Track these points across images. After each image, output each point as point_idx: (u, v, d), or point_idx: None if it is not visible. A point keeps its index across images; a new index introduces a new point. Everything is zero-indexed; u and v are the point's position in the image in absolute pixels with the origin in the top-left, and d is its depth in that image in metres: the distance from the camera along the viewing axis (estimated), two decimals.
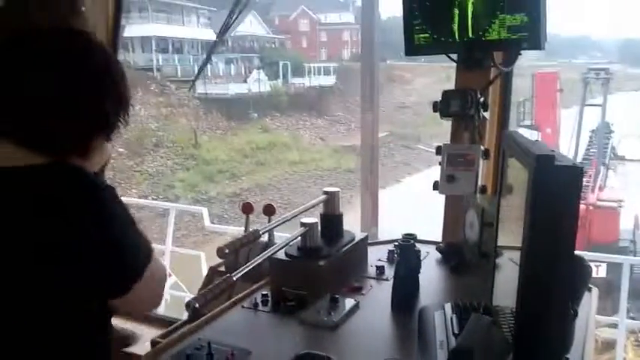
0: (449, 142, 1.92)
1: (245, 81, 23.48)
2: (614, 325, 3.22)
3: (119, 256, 1.02)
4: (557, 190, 0.89)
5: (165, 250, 3.90)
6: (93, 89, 1.04)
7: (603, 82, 12.93)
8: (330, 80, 23.54)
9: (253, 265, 1.31)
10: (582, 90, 13.06)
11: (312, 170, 18.44)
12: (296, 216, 1.62)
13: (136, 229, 1.06)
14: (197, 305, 1.10)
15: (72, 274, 0.99)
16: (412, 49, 1.81)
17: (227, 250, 1.21)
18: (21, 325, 0.99)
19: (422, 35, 1.77)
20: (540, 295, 0.95)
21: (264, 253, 1.43)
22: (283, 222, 1.50)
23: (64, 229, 0.97)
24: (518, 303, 1.00)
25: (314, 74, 23.82)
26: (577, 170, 0.89)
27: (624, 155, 15.60)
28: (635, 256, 10.69)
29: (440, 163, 1.88)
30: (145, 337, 2.06)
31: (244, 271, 1.27)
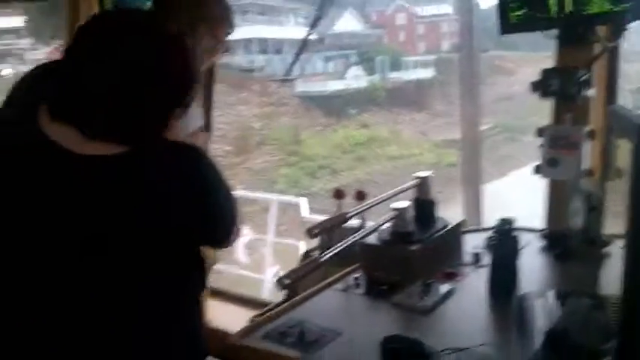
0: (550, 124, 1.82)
1: (343, 78, 23.63)
2: None
3: (225, 221, 1.08)
4: None
5: (267, 240, 4.03)
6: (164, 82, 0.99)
7: None
8: (428, 73, 23.06)
9: (342, 247, 1.32)
10: None
11: (412, 165, 18.19)
12: (386, 200, 1.61)
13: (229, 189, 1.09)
14: (288, 281, 1.12)
15: (185, 247, 1.04)
16: (507, 27, 1.73)
17: (316, 230, 1.23)
18: (139, 288, 1.01)
19: (517, 13, 1.69)
20: None
21: (353, 236, 1.44)
22: (373, 205, 1.49)
23: (171, 209, 0.99)
24: (622, 288, 0.92)
25: (412, 68, 23.47)
26: None
27: None
28: None
29: (541, 146, 1.78)
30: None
31: (333, 253, 1.28)
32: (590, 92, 1.70)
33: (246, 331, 1.31)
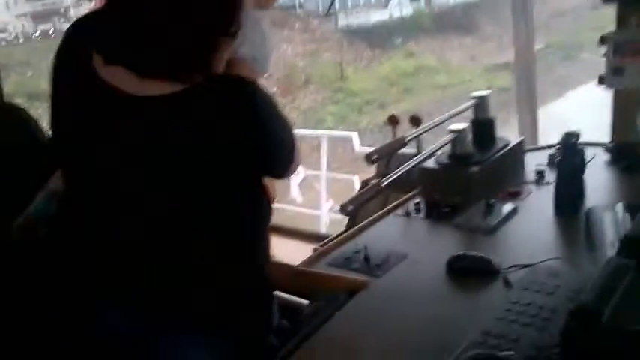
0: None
1: (386, 7, 22.83)
2: None
3: (283, 152, 1.09)
4: None
5: (320, 177, 4.06)
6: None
7: None
8: None
9: (400, 173, 1.31)
10: None
11: (462, 92, 17.67)
12: (444, 122, 1.57)
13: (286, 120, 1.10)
14: (350, 207, 1.13)
15: (246, 180, 1.05)
16: None
17: (375, 156, 1.22)
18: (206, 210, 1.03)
19: None
20: None
21: (411, 161, 1.42)
22: (430, 128, 1.47)
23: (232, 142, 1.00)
24: None
25: None
26: None
27: None
28: None
29: (605, 55, 1.68)
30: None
31: (392, 178, 1.28)
32: None
33: (312, 260, 1.34)
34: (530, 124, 7.50)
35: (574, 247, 1.23)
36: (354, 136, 3.77)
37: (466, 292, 1.13)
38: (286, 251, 2.39)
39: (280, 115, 1.08)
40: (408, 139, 1.34)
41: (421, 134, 1.46)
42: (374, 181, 1.24)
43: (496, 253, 1.24)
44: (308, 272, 1.28)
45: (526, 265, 1.14)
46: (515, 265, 1.15)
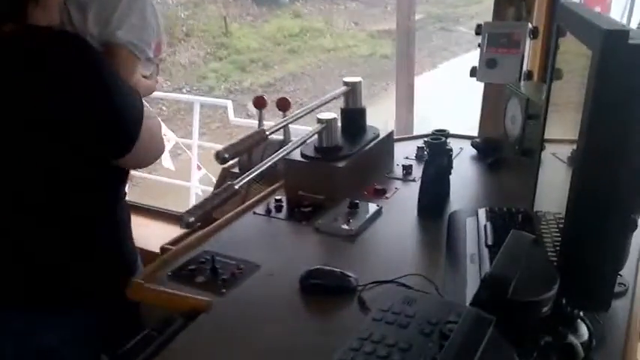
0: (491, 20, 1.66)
1: None
2: None
3: (120, 119, 1.05)
4: (629, 77, 0.69)
5: (192, 145, 3.81)
6: None
7: None
8: None
9: (261, 169, 1.16)
10: None
11: (346, 57, 17.83)
12: (313, 110, 1.43)
13: (128, 87, 1.07)
14: (191, 220, 0.96)
15: (78, 143, 1.02)
16: None
17: (227, 155, 1.05)
18: (35, 186, 1.05)
19: None
20: (597, 201, 0.77)
21: (275, 154, 1.27)
22: (296, 119, 1.32)
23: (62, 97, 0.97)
24: (567, 214, 0.83)
25: None
26: None
27: None
28: None
29: (479, 45, 1.63)
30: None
31: (248, 178, 1.12)
32: None
33: (153, 270, 1.16)
34: (407, 92, 7.70)
35: (436, 256, 1.16)
36: (229, 104, 3.54)
37: (320, 314, 1.02)
38: (152, 234, 2.19)
39: (122, 83, 1.04)
40: (269, 132, 1.18)
41: (284, 126, 1.31)
42: (227, 185, 1.07)
43: (356, 263, 1.15)
44: (144, 288, 1.10)
45: (384, 282, 1.05)
46: (373, 282, 1.05)
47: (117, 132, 1.05)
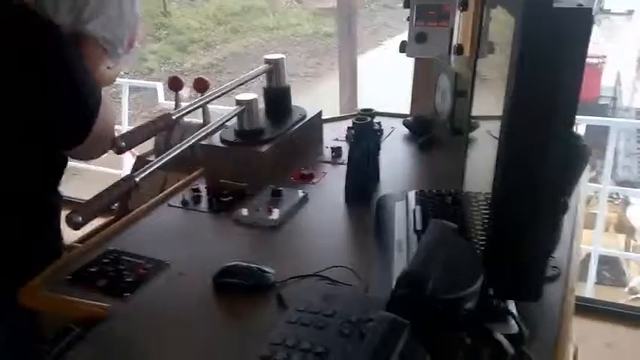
0: None
1: None
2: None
3: (80, 102, 1.01)
4: (555, 42, 0.62)
5: (122, 131, 3.61)
6: None
7: None
8: None
9: (166, 158, 1.04)
10: None
11: (290, 36, 17.60)
12: (232, 90, 1.32)
13: (87, 71, 1.03)
14: (79, 219, 0.84)
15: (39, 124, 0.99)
16: None
17: (123, 144, 0.93)
18: None
19: None
20: (524, 185, 0.71)
21: (187, 139, 1.16)
22: (211, 100, 1.21)
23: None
24: (494, 195, 0.76)
25: None
26: (584, 15, 0.60)
27: (610, 9, 14.92)
28: (614, 113, 10.61)
29: (408, 19, 1.55)
30: None
31: (152, 169, 1.00)
32: None
33: (52, 272, 1.03)
34: (350, 71, 7.65)
35: (364, 245, 1.08)
36: (158, 86, 3.36)
37: (235, 316, 0.92)
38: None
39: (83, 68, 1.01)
40: (175, 116, 1.07)
41: (193, 109, 1.19)
42: (126, 176, 0.95)
43: (278, 257, 1.06)
44: (38, 295, 0.97)
45: (305, 276, 0.97)
46: (293, 277, 0.96)
47: (74, 118, 1.02)
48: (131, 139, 0.95)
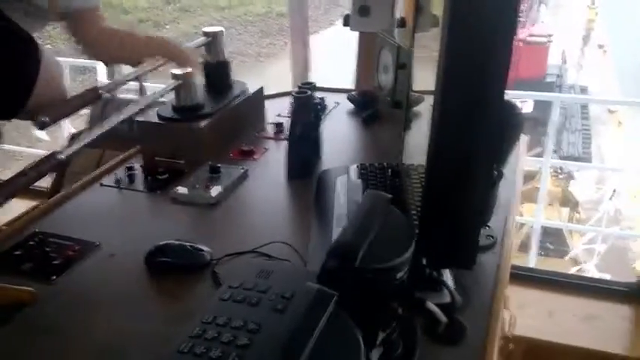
0: None
1: None
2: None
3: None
4: (485, 5, 0.61)
5: None
6: None
7: None
8: None
9: (94, 136, 0.99)
10: None
11: (242, 15, 17.31)
12: (164, 65, 1.27)
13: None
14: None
15: None
16: None
17: (46, 119, 0.88)
18: None
19: None
20: (458, 154, 0.71)
21: (118, 115, 1.10)
22: (142, 73, 1.16)
23: None
24: (428, 164, 0.75)
25: None
26: None
27: None
28: (560, 90, 10.94)
29: None
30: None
31: (79, 146, 0.95)
32: None
33: None
34: (303, 52, 7.58)
35: (305, 221, 1.06)
36: (98, 66, 3.23)
37: (169, 296, 0.89)
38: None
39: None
40: (104, 90, 1.01)
41: (122, 83, 1.13)
42: (50, 153, 0.90)
43: (215, 235, 1.03)
44: None
45: (241, 253, 0.94)
46: (229, 255, 0.94)
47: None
48: (54, 114, 0.90)
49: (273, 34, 15.08)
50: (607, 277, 3.68)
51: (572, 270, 4.87)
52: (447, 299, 0.76)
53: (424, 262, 0.74)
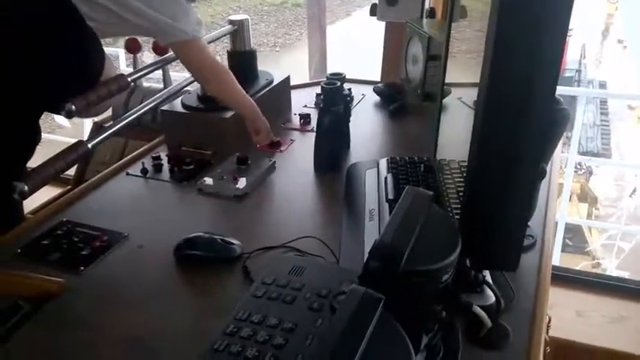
0: None
1: None
2: None
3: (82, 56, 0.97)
4: (535, 6, 0.58)
5: None
6: None
7: None
8: None
9: (120, 125, 0.97)
10: None
11: (257, 5, 17.26)
12: None
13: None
14: (25, 188, 0.77)
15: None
16: None
17: (73, 107, 0.86)
18: None
19: None
20: (503, 154, 0.68)
21: (143, 104, 1.09)
22: (168, 62, 1.13)
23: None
24: (471, 162, 0.72)
25: None
26: None
27: None
28: (579, 85, 10.78)
29: None
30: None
31: (105, 136, 0.93)
32: None
33: (3, 244, 0.96)
34: (320, 42, 7.54)
35: (334, 215, 1.03)
36: (120, 52, 3.21)
37: (198, 290, 0.87)
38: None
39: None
40: (131, 78, 0.99)
41: (148, 72, 1.11)
42: (76, 142, 0.88)
43: (244, 227, 1.01)
44: None
45: (273, 247, 0.92)
46: (260, 249, 0.92)
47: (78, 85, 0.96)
48: (81, 103, 0.88)
49: (289, 24, 15.01)
50: (625, 275, 3.63)
51: (590, 263, 4.82)
52: (489, 302, 0.73)
53: (467, 263, 0.71)
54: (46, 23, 0.92)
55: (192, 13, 1.11)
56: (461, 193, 0.83)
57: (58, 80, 0.90)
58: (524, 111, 0.66)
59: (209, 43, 1.28)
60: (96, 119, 1.56)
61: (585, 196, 6.42)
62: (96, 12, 0.91)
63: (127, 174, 1.19)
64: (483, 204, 0.71)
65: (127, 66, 3.19)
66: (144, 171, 1.19)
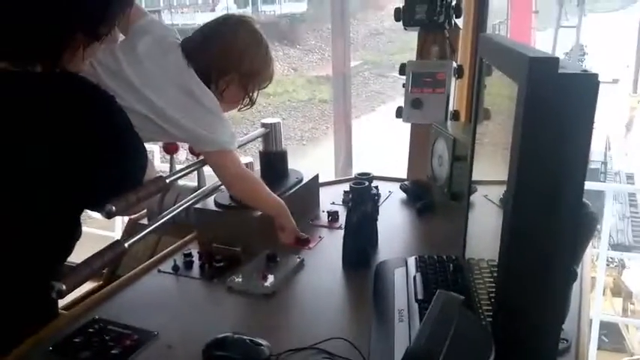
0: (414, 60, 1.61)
1: (213, 10, 22.35)
2: None
3: (130, 162, 0.98)
4: (561, 108, 0.60)
5: None
6: None
7: (579, 3, 12.60)
8: (301, 7, 22.57)
9: (157, 224, 1.01)
10: (557, 11, 12.70)
11: (286, 102, 17.99)
12: None
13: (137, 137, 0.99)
14: (63, 288, 0.80)
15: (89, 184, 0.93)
16: None
17: (114, 209, 0.90)
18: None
19: None
20: (534, 259, 0.68)
21: (179, 204, 1.13)
22: (204, 164, 1.19)
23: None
24: (501, 265, 0.73)
25: (285, 1, 22.84)
26: (590, 80, 0.59)
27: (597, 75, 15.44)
28: (605, 177, 10.71)
29: (404, 85, 1.56)
30: None
31: (141, 235, 0.97)
32: (459, 21, 1.50)
33: (33, 343, 0.97)
34: (345, 136, 7.73)
35: (363, 314, 1.03)
36: (155, 149, 3.36)
37: None
38: None
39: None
40: (169, 179, 1.04)
41: (186, 174, 1.17)
42: (115, 241, 0.92)
43: (272, 327, 1.00)
44: None
45: (302, 349, 0.91)
46: (289, 351, 0.91)
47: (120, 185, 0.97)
48: (122, 204, 0.92)
49: (315, 119, 15.53)
50: None
51: None
52: None
53: None
54: (108, 133, 0.94)
55: (228, 126, 1.18)
56: (491, 294, 0.83)
57: (107, 186, 0.94)
58: (553, 218, 0.66)
59: (243, 144, 1.34)
60: (133, 217, 1.61)
61: (619, 290, 6.19)
62: (135, 119, 0.97)
63: (159, 271, 1.21)
64: (516, 310, 0.71)
65: (162, 162, 3.33)
66: (175, 268, 1.21)
